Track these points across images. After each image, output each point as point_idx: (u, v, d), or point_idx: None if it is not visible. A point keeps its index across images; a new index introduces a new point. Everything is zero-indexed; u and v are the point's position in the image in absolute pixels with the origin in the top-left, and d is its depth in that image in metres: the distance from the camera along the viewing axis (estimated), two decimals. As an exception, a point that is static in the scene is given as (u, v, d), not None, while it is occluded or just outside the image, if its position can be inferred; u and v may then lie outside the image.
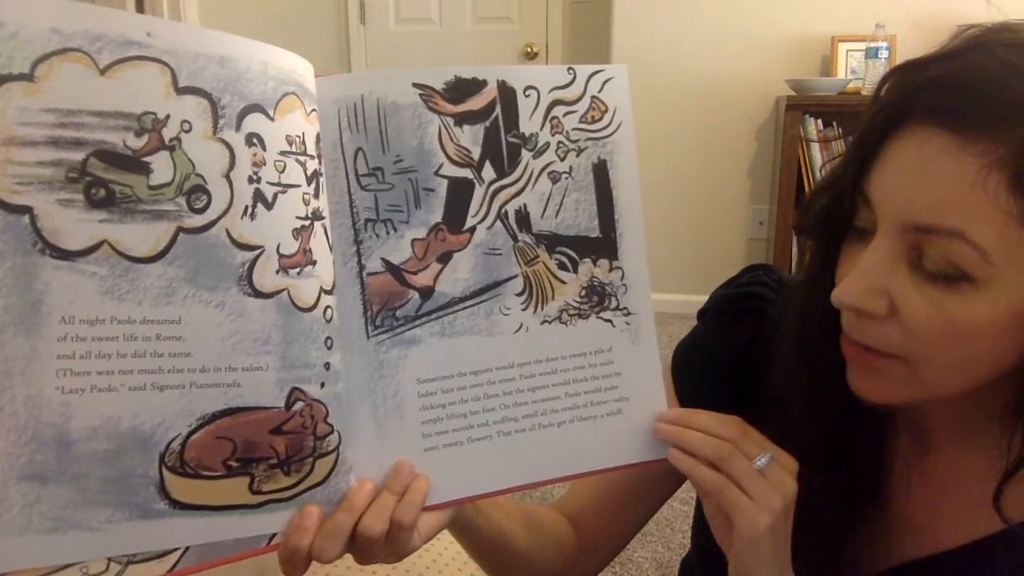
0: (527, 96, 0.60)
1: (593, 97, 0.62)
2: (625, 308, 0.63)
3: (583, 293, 0.62)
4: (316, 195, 0.55)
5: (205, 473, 0.50)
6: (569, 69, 0.61)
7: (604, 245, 0.62)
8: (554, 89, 0.61)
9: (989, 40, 0.52)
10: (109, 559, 0.48)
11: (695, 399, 0.65)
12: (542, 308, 0.61)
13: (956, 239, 0.49)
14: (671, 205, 3.61)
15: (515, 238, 0.60)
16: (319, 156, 0.55)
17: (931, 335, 0.52)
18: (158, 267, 0.48)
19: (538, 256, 0.61)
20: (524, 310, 0.60)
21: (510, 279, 0.60)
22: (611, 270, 0.62)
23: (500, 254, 0.60)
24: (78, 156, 0.46)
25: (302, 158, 0.53)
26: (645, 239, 0.63)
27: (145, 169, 0.47)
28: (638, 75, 3.46)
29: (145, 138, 0.47)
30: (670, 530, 2.01)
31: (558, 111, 0.61)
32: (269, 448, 0.52)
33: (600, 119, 0.62)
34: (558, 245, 0.61)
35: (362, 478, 0.56)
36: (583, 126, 0.62)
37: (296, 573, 0.53)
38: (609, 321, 0.62)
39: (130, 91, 0.47)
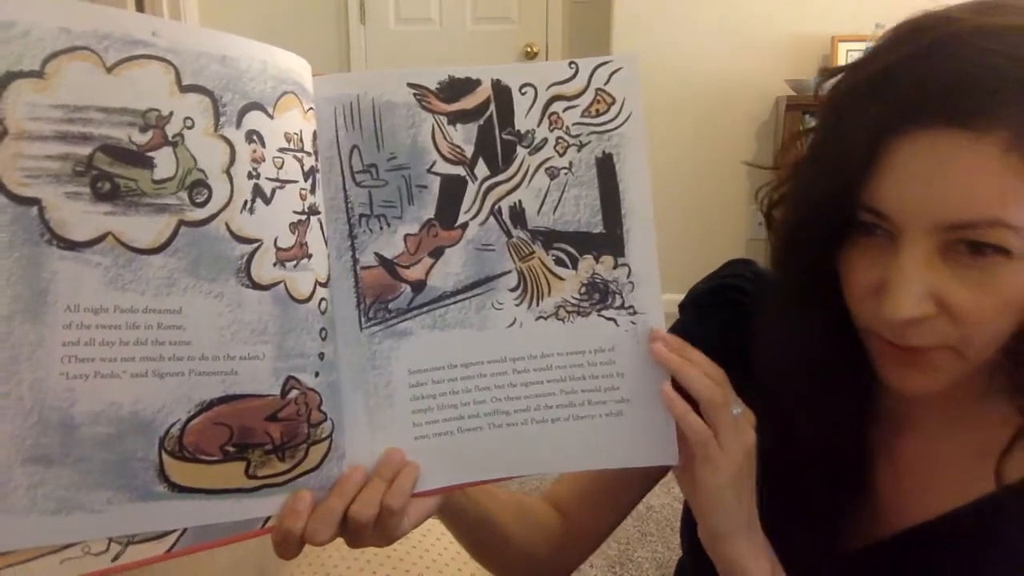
0: (523, 93, 0.60)
1: (598, 90, 0.61)
2: (631, 307, 0.61)
3: (583, 290, 0.61)
4: (312, 191, 0.56)
5: (203, 457, 0.51)
6: (571, 63, 0.61)
7: (608, 241, 0.61)
8: (553, 85, 0.60)
9: (954, 33, 0.53)
10: (110, 539, 0.50)
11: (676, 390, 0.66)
12: (537, 304, 0.61)
13: (995, 226, 0.51)
14: (670, 205, 3.61)
15: (509, 234, 0.60)
16: (316, 153, 0.57)
17: (982, 317, 0.54)
18: (160, 258, 0.50)
19: (533, 252, 0.61)
20: (518, 305, 0.61)
21: (503, 274, 0.60)
22: (616, 267, 0.61)
23: (493, 250, 0.60)
24: (85, 151, 0.47)
25: (299, 155, 0.55)
26: (655, 236, 0.61)
27: (149, 164, 0.49)
28: (637, 75, 3.47)
29: (149, 134, 0.49)
30: (670, 530, 2.00)
31: (557, 107, 0.60)
32: (265, 434, 0.53)
33: (606, 112, 0.61)
34: (556, 241, 0.61)
35: (354, 464, 0.58)
36: (585, 120, 0.61)
37: (289, 555, 0.55)
38: (612, 320, 0.61)
39: (135, 88, 0.48)
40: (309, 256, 0.55)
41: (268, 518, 0.55)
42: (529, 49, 4.01)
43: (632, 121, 0.61)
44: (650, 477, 0.80)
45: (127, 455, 0.49)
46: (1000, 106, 0.50)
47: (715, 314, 0.75)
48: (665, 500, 2.10)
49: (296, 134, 0.55)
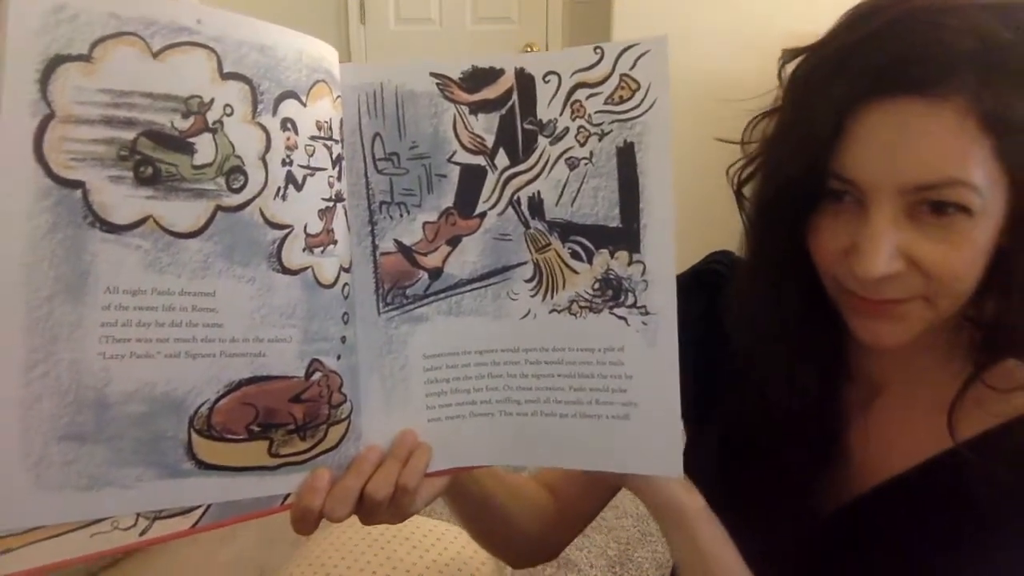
0: (547, 82, 0.59)
1: (623, 75, 0.58)
2: (643, 307, 0.59)
3: (596, 285, 0.60)
4: (339, 178, 0.57)
5: (229, 436, 0.53)
6: (596, 48, 0.58)
7: (625, 236, 0.59)
8: (577, 72, 0.59)
9: (910, 11, 0.56)
10: (138, 514, 0.51)
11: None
12: (552, 297, 0.60)
13: (957, 185, 0.55)
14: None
15: (527, 225, 0.60)
16: (342, 141, 0.58)
17: (951, 270, 0.57)
18: (197, 242, 0.51)
19: (550, 244, 0.60)
20: (533, 296, 0.61)
21: (519, 265, 0.61)
22: (631, 264, 0.59)
23: (510, 240, 0.60)
24: (129, 135, 0.48)
25: (329, 143, 0.56)
26: (674, 232, 0.58)
27: (190, 149, 0.50)
28: (637, 75, 3.47)
29: (191, 120, 0.50)
30: (670, 531, 2.01)
31: (580, 94, 0.59)
32: (288, 415, 0.55)
33: (629, 99, 0.58)
34: (572, 234, 0.60)
35: (370, 444, 0.59)
36: (608, 108, 0.58)
37: (307, 531, 0.57)
38: (623, 319, 0.59)
39: (179, 75, 0.49)
40: (335, 242, 0.57)
41: (287, 495, 0.56)
42: (529, 49, 4.00)
43: (657, 109, 0.58)
44: None
45: (158, 433, 0.51)
46: (956, 75, 0.53)
47: (696, 296, 0.78)
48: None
49: (326, 122, 0.56)
